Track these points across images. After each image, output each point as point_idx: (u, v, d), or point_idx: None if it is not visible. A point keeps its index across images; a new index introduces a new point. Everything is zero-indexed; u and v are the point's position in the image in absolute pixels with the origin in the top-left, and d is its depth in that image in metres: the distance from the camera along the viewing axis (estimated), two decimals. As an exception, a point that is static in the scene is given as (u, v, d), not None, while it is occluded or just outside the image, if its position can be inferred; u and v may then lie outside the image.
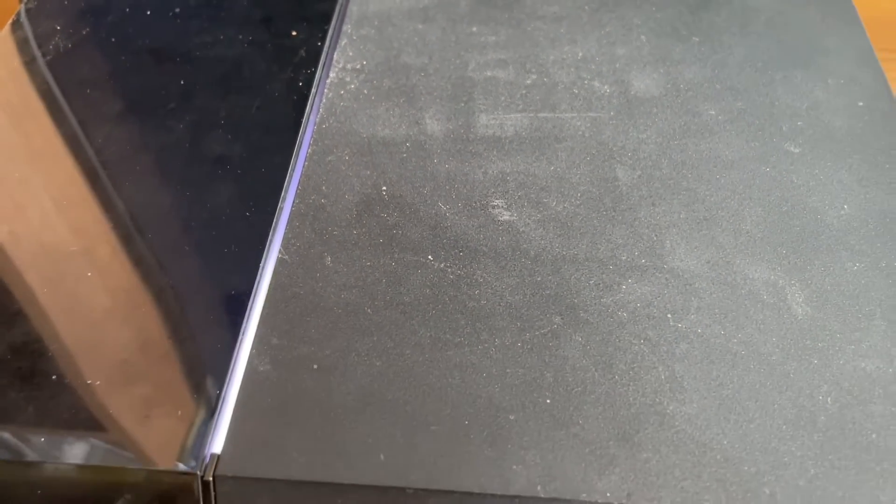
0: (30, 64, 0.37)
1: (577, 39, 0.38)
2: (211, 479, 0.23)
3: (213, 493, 0.23)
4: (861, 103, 0.35)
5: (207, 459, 0.23)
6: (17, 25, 0.40)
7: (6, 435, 0.24)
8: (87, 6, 0.41)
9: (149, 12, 0.40)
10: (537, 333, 0.26)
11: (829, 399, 0.25)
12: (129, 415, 0.24)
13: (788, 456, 0.23)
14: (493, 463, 0.23)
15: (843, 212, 0.30)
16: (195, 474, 0.23)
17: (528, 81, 0.36)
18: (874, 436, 0.24)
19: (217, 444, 0.24)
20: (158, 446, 0.23)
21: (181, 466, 0.23)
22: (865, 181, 0.31)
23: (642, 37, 0.38)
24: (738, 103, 0.35)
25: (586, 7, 0.40)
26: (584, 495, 0.22)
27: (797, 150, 0.33)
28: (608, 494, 0.22)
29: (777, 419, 0.24)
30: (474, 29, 0.39)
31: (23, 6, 0.41)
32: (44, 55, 0.38)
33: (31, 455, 0.23)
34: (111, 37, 0.39)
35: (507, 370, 0.25)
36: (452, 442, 0.24)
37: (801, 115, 0.34)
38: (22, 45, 0.38)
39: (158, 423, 0.24)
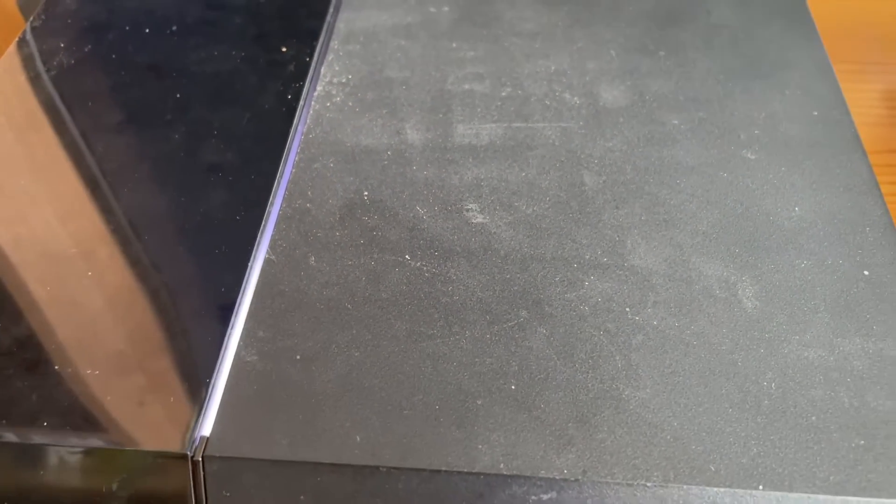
0: (35, 79, 0.39)
1: (550, 54, 0.40)
2: (200, 459, 0.25)
3: (202, 473, 0.25)
4: (816, 112, 0.37)
5: (197, 442, 0.25)
6: (23, 43, 0.42)
7: (13, 420, 0.26)
8: (89, 25, 0.43)
9: (147, 30, 0.43)
10: (505, 326, 0.28)
11: (773, 385, 0.27)
12: (125, 402, 0.26)
13: (733, 436, 0.25)
14: (460, 443, 0.25)
15: (793, 213, 0.32)
16: (186, 455, 0.25)
17: (504, 94, 0.38)
18: (814, 418, 0.26)
19: (206, 427, 0.26)
20: (152, 430, 0.25)
21: (173, 448, 0.25)
22: (816, 185, 0.33)
23: (612, 51, 0.40)
24: (700, 113, 0.37)
25: (560, 24, 0.42)
26: (542, 472, 0.24)
27: (753, 157, 0.35)
28: (565, 471, 0.24)
29: (724, 403, 0.26)
30: (454, 45, 0.41)
31: (29, 25, 0.44)
32: (48, 71, 0.40)
33: (35, 439, 0.25)
34: (111, 54, 0.41)
35: (476, 359, 0.27)
36: (423, 425, 0.25)
37: (759, 124, 0.36)
38: (28, 61, 0.41)
39: (152, 408, 0.26)
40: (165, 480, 0.25)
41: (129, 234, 0.32)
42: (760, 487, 0.24)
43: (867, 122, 0.52)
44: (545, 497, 0.24)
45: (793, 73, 0.39)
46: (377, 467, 0.24)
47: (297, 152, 0.35)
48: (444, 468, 0.24)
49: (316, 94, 0.38)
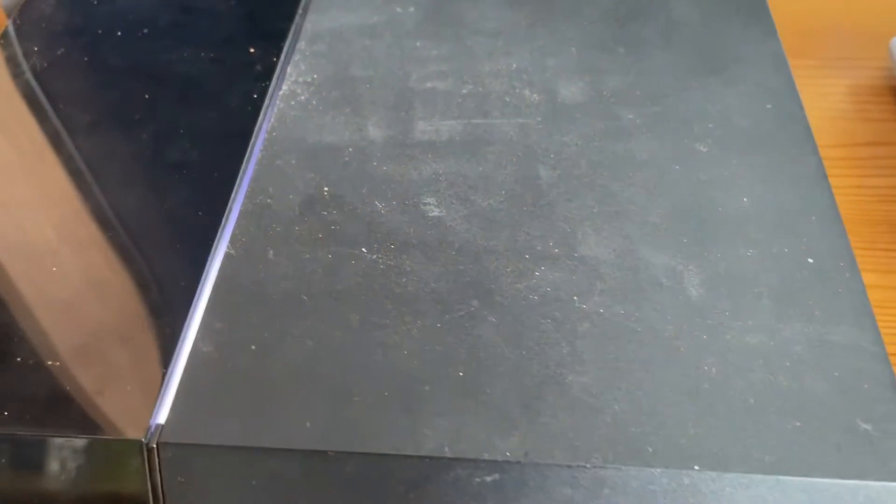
0: (8, 81, 0.40)
1: (512, 52, 0.41)
2: (155, 446, 0.26)
3: (157, 459, 0.26)
4: (769, 106, 0.37)
5: (153, 429, 0.26)
6: (1, 45, 0.43)
7: (-26, 410, 0.26)
8: (63, 29, 0.44)
9: (120, 33, 0.43)
10: (456, 315, 0.29)
11: (713, 369, 0.27)
12: (84, 392, 0.27)
13: (672, 419, 0.26)
14: (407, 428, 0.26)
15: (742, 204, 0.33)
16: (141, 442, 0.26)
17: (465, 91, 0.39)
18: (752, 400, 0.26)
19: (162, 415, 0.26)
20: (109, 418, 0.26)
21: (129, 436, 0.26)
22: (765, 177, 0.34)
23: (573, 49, 0.41)
24: (656, 108, 0.37)
25: (523, 22, 0.43)
26: (486, 454, 0.25)
27: (705, 150, 0.35)
28: (507, 453, 0.25)
29: (664, 387, 0.27)
30: (418, 44, 0.42)
31: (10, 24, 0.45)
32: (21, 73, 0.41)
33: (-3, 429, 0.26)
34: (84, 56, 0.42)
35: (426, 348, 0.28)
36: (372, 411, 0.26)
37: (713, 118, 0.37)
38: (4, 62, 0.41)
39: (110, 398, 0.27)
40: (122, 467, 0.26)
41: (95, 230, 0.33)
42: (696, 467, 0.25)
43: (832, 116, 0.53)
44: (489, 479, 0.25)
45: (749, 69, 0.40)
46: (325, 452, 0.25)
47: (260, 150, 0.36)
48: (390, 452, 0.25)
49: (281, 93, 0.39)
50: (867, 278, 0.42)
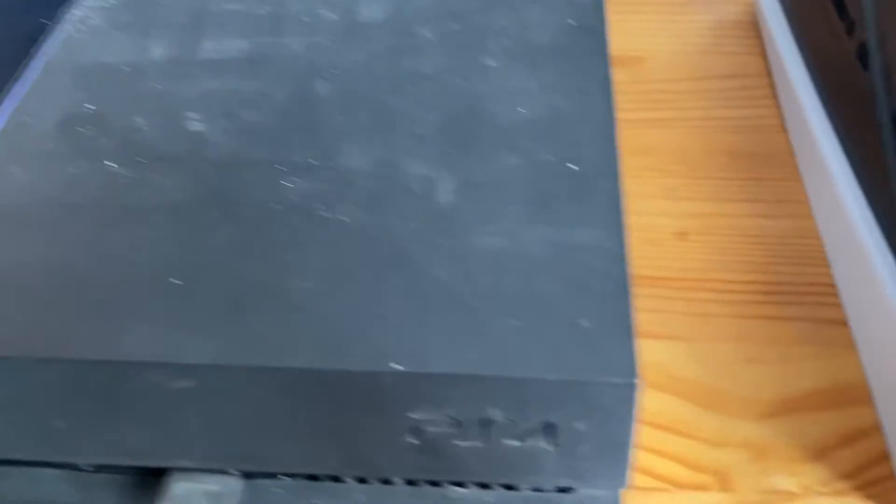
0: None
1: (321, -25, 0.40)
2: None
3: None
4: (571, 21, 0.36)
5: None
6: None
7: None
8: None
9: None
10: (192, 226, 0.28)
11: (443, 273, 0.26)
12: None
13: (387, 322, 0.25)
14: (106, 334, 0.24)
15: (516, 115, 0.32)
16: None
17: (262, 12, 0.37)
18: (475, 302, 0.25)
19: None
20: None
21: None
22: (549, 88, 0.33)
23: (384, -29, 0.40)
24: (455, 26, 0.36)
25: (341, -53, 0.41)
26: (180, 358, 0.24)
27: (494, 64, 0.34)
28: (203, 357, 0.24)
29: (390, 293, 0.25)
30: (227, -31, 0.40)
31: None
32: None
33: None
34: None
35: (150, 258, 0.27)
36: (74, 318, 0.25)
37: (510, 35, 0.35)
38: None
39: None
40: None
41: None
42: (400, 367, 0.24)
43: (692, 50, 0.52)
44: (185, 383, 0.24)
45: (561, -13, 0.39)
46: (8, 357, 0.24)
47: (37, 72, 0.35)
48: (78, 357, 0.24)
49: (72, 17, 0.38)
50: (699, 207, 0.42)
